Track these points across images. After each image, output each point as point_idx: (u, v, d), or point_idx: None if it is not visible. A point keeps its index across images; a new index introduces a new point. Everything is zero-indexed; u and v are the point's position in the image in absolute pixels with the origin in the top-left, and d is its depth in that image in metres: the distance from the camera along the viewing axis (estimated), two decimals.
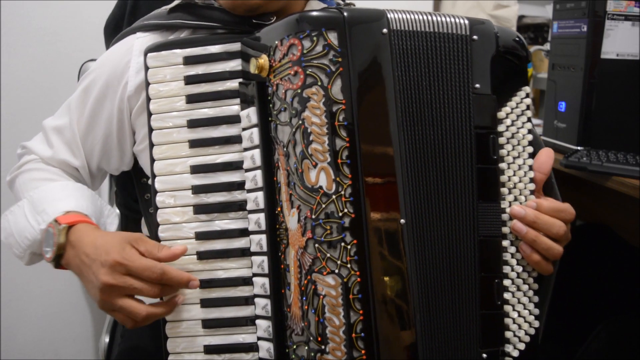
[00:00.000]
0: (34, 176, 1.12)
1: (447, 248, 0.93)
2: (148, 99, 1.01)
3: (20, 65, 1.97)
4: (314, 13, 0.90)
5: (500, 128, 0.96)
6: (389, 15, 0.91)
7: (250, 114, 0.96)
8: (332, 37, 0.87)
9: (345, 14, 0.88)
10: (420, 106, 0.92)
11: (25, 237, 1.03)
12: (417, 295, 0.90)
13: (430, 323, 0.92)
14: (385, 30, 0.90)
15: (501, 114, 0.97)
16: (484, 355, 0.95)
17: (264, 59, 0.93)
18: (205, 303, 0.99)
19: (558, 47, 1.65)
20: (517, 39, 0.98)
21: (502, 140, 0.96)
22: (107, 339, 1.51)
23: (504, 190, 0.96)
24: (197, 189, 0.99)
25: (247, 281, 0.98)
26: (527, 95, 0.98)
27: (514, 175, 0.97)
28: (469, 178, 0.94)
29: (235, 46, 0.99)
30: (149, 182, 1.10)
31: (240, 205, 0.98)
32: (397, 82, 0.90)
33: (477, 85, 0.95)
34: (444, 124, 0.93)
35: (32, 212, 1.03)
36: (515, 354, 0.97)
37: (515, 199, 0.97)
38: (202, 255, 0.99)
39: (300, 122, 0.89)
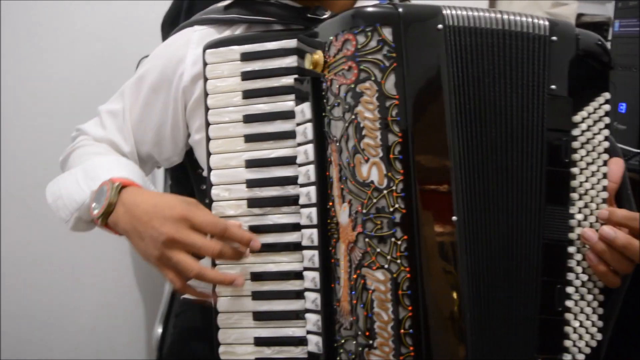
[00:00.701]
0: (87, 151, 1.15)
1: (506, 248, 0.92)
2: (206, 94, 1.03)
3: (80, 63, 2.02)
4: (369, 9, 0.92)
5: (575, 132, 0.95)
6: (444, 12, 0.91)
7: (305, 109, 0.97)
8: (387, 33, 0.88)
9: (400, 10, 0.89)
10: (480, 103, 0.92)
11: (74, 200, 1.05)
12: (468, 293, 0.90)
13: (483, 322, 0.91)
14: (440, 27, 0.91)
15: (577, 118, 0.95)
16: None
17: (319, 55, 0.94)
18: (257, 296, 1.00)
19: (619, 47, 1.63)
20: (599, 42, 0.97)
21: (575, 144, 0.95)
22: (160, 330, 1.53)
23: (574, 195, 0.95)
24: (252, 183, 1.01)
25: (298, 275, 0.99)
26: (607, 102, 0.96)
27: (586, 181, 0.95)
28: (536, 179, 0.93)
29: (292, 43, 1.01)
30: (204, 173, 1.12)
31: (293, 200, 0.99)
32: (452, 79, 0.91)
33: (553, 87, 0.94)
34: (511, 122, 0.93)
35: (84, 178, 1.05)
36: None
37: (586, 206, 0.95)
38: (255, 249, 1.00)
39: (353, 116, 0.90)
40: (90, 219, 1.04)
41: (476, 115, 0.92)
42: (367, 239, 0.89)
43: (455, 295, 0.90)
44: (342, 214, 0.92)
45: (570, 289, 0.95)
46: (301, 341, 0.99)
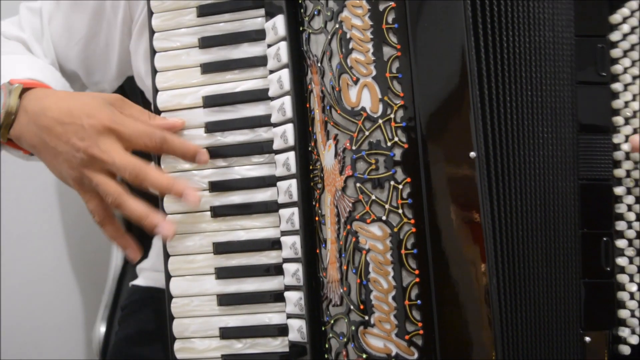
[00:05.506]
0: None
1: (534, 191, 0.85)
2: (150, 13, 0.97)
3: None
4: None
5: (614, 37, 0.89)
6: None
7: (277, 25, 0.91)
8: None
9: None
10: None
11: None
12: (493, 251, 0.82)
13: (513, 291, 0.84)
14: None
15: (616, 18, 0.88)
16: (587, 339, 0.87)
17: None
18: (222, 273, 0.95)
19: None
20: None
21: (616, 52, 0.89)
22: (103, 328, 1.46)
23: (618, 119, 0.88)
24: (212, 126, 0.95)
25: (274, 244, 0.93)
26: None
27: (634, 100, 0.89)
28: (565, 99, 0.87)
29: None
30: None
31: (266, 146, 0.93)
32: None
33: None
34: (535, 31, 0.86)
35: None
36: (635, 340, 0.89)
37: (635, 132, 0.88)
38: (218, 211, 0.95)
39: (337, 26, 0.84)
40: None
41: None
42: (358, 184, 0.83)
43: (476, 253, 0.82)
44: (327, 154, 0.86)
45: (621, 243, 0.89)
46: (280, 330, 0.93)
